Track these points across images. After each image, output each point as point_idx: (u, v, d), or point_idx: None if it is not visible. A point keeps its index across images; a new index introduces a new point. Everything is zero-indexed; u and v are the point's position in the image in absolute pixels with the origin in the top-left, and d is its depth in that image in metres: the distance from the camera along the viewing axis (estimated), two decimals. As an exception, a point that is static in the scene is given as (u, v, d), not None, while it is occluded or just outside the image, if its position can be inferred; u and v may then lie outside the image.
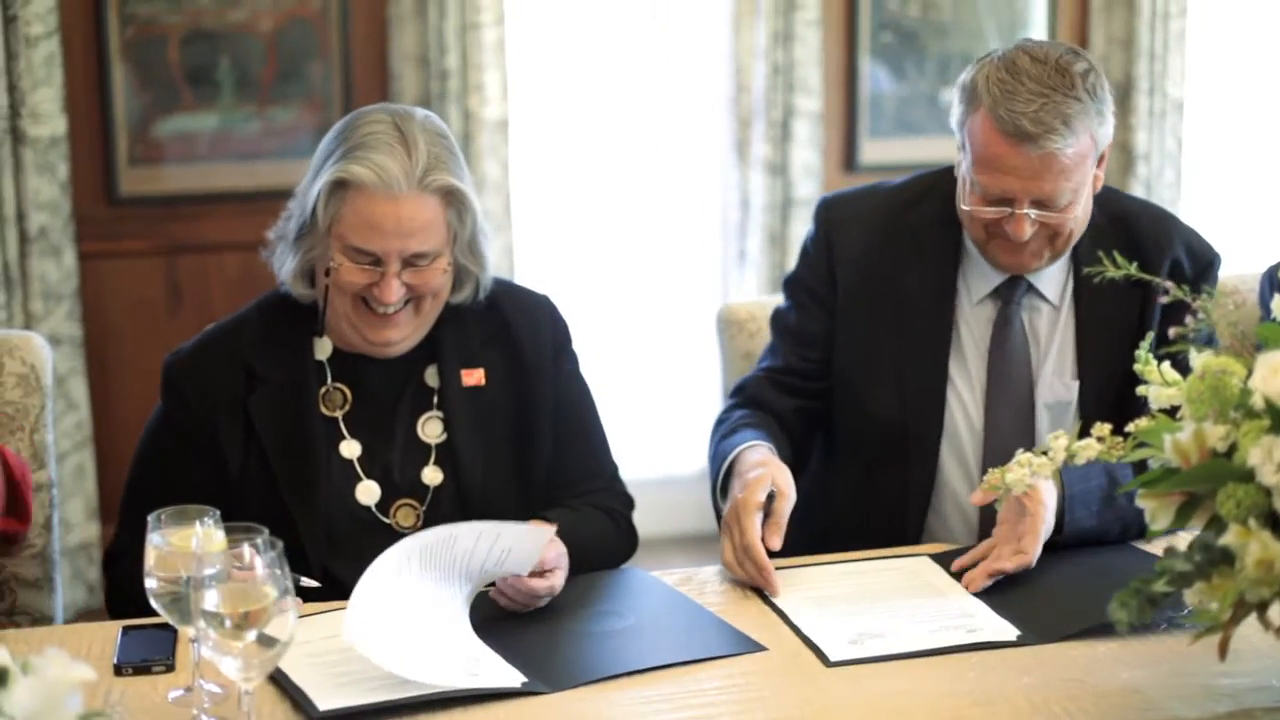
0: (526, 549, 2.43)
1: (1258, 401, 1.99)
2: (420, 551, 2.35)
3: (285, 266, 2.68)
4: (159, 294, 4.94)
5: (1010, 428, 2.89)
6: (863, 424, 2.96)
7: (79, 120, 4.77)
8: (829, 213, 3.01)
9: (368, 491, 2.69)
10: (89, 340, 4.83)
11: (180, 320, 4.84)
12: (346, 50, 4.93)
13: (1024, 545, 2.56)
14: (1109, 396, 2.87)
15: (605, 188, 5.37)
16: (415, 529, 2.67)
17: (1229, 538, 1.95)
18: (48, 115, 4.63)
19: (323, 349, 2.72)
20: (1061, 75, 2.69)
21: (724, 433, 2.87)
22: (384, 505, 2.69)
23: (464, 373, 2.73)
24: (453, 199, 2.61)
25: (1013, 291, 2.90)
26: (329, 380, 2.71)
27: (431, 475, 2.71)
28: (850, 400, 2.97)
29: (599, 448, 2.88)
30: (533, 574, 2.46)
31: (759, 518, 2.58)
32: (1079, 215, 2.78)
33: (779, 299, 3.10)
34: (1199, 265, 2.91)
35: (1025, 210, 2.72)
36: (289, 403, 2.68)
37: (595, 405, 2.89)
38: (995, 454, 2.85)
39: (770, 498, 2.60)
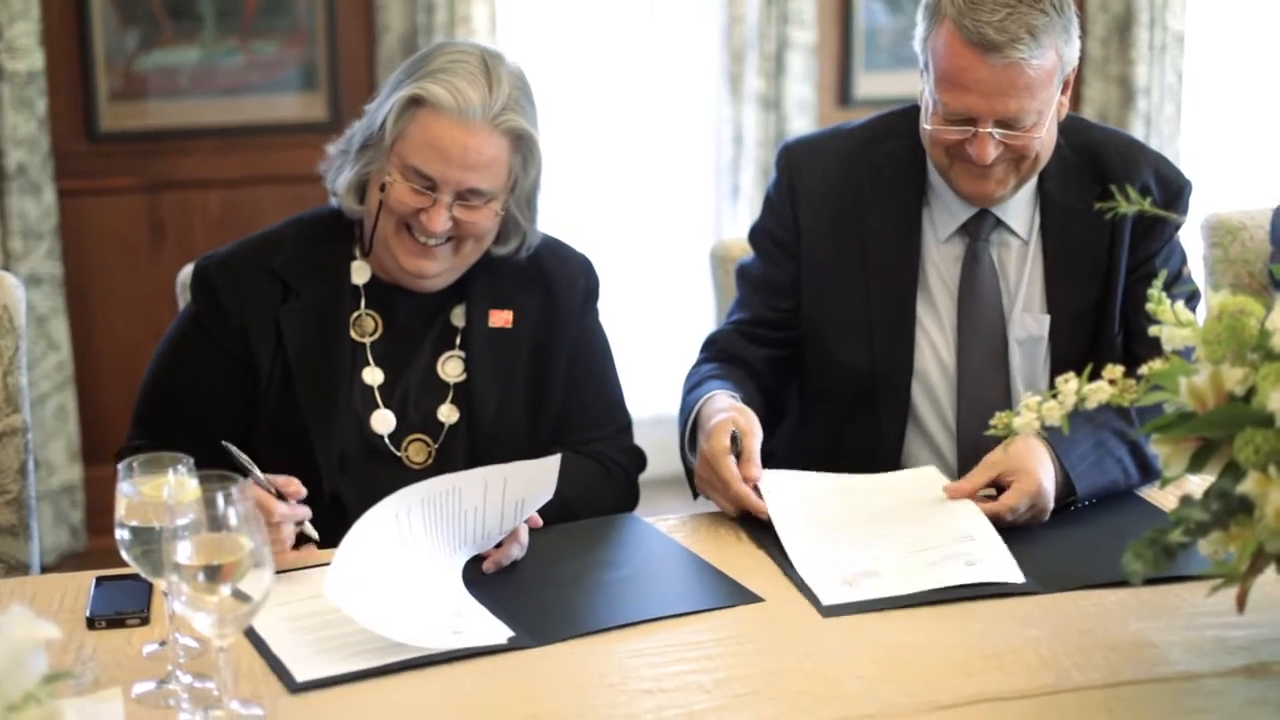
0: (539, 483, 2.40)
1: (1277, 343, 1.93)
2: (422, 504, 2.29)
3: (341, 178, 2.69)
4: (141, 232, 4.85)
5: (983, 367, 2.84)
6: (832, 370, 2.90)
7: (57, 54, 4.69)
8: (790, 157, 2.95)
9: (383, 420, 2.69)
10: (69, 279, 4.76)
11: (163, 258, 4.75)
12: (331, -18, 4.85)
13: (1001, 500, 2.50)
14: (1081, 329, 2.83)
15: (595, 122, 5.29)
16: (426, 465, 2.68)
17: (1247, 485, 1.89)
18: (25, 49, 4.55)
19: (360, 273, 2.73)
20: None
21: (690, 386, 2.83)
22: (397, 438, 2.69)
23: (493, 313, 2.73)
24: (522, 144, 2.62)
25: (980, 227, 2.83)
26: (362, 306, 2.71)
27: (447, 413, 2.71)
28: (819, 347, 2.92)
29: (610, 398, 2.86)
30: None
31: (731, 462, 2.54)
32: (1044, 138, 2.70)
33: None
34: (1169, 192, 2.84)
35: (989, 130, 2.65)
36: (320, 320, 2.69)
37: (613, 359, 2.88)
38: (969, 395, 2.84)
39: (736, 440, 2.56)
